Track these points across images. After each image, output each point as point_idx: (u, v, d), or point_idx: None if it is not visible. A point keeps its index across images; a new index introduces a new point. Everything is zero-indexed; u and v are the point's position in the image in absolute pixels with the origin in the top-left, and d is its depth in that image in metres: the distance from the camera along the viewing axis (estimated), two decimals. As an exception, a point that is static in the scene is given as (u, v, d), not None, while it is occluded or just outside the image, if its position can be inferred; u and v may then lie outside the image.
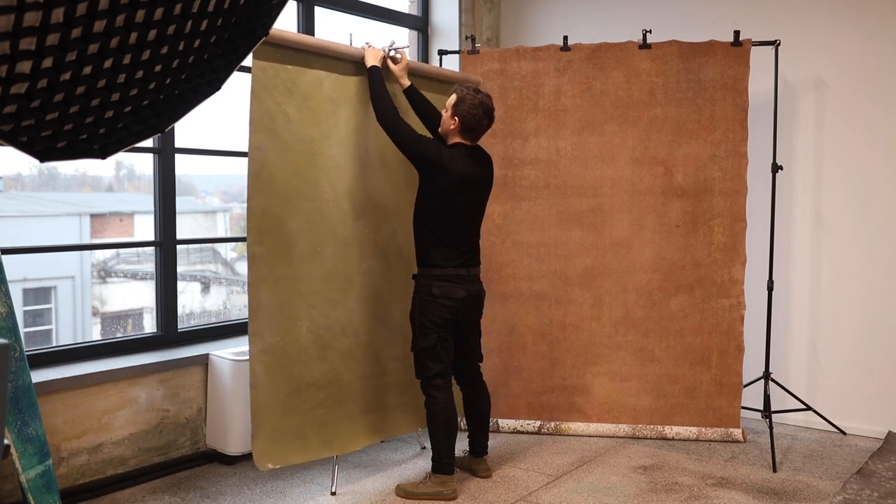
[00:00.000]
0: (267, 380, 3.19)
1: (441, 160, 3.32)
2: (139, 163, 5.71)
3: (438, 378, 3.40)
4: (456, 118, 3.39)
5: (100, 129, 1.09)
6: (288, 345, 3.27)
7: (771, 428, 3.91)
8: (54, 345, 3.56)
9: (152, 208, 3.85)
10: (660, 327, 4.25)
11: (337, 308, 3.47)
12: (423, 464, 3.79)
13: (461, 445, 3.73)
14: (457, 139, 3.44)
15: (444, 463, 3.41)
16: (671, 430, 4.22)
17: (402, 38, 5.10)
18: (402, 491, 3.43)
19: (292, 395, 3.29)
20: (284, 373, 3.26)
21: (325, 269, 3.41)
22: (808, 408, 4.24)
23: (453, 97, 3.42)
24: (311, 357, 3.36)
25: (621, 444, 4.14)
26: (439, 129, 3.51)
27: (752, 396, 4.35)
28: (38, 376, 3.16)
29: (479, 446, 3.68)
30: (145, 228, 4.20)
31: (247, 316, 3.20)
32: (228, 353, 3.69)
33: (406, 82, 3.60)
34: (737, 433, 4.17)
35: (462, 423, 4.04)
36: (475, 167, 3.43)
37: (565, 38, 4.32)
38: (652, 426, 4.24)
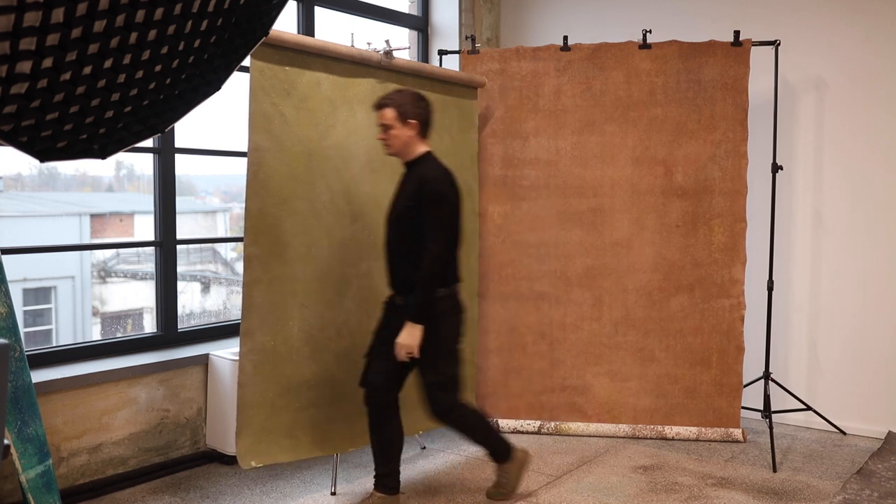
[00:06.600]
0: (256, 379, 3.19)
1: (452, 194, 3.08)
2: (139, 163, 5.70)
3: (458, 398, 3.17)
4: (411, 120, 3.06)
5: (100, 129, 1.09)
6: (279, 344, 3.26)
7: (771, 428, 3.91)
8: (54, 345, 3.55)
9: (152, 208, 3.85)
10: (660, 327, 4.25)
11: (332, 309, 3.46)
12: (424, 463, 3.79)
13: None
14: (420, 147, 3.12)
15: (503, 448, 3.24)
16: (671, 430, 4.22)
17: (402, 39, 5.10)
18: (500, 496, 3.26)
19: (282, 394, 3.29)
20: (274, 372, 3.25)
21: (320, 269, 3.40)
22: (808, 408, 4.24)
23: (389, 111, 3.06)
24: (303, 357, 3.36)
25: (621, 444, 4.14)
26: (392, 151, 3.14)
27: (752, 396, 4.35)
28: (38, 376, 3.16)
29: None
30: (145, 228, 4.19)
31: (246, 316, 3.20)
32: (228, 353, 3.69)
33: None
34: (737, 433, 4.17)
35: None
36: (451, 172, 3.17)
37: (565, 38, 4.32)
38: (652, 426, 4.24)
